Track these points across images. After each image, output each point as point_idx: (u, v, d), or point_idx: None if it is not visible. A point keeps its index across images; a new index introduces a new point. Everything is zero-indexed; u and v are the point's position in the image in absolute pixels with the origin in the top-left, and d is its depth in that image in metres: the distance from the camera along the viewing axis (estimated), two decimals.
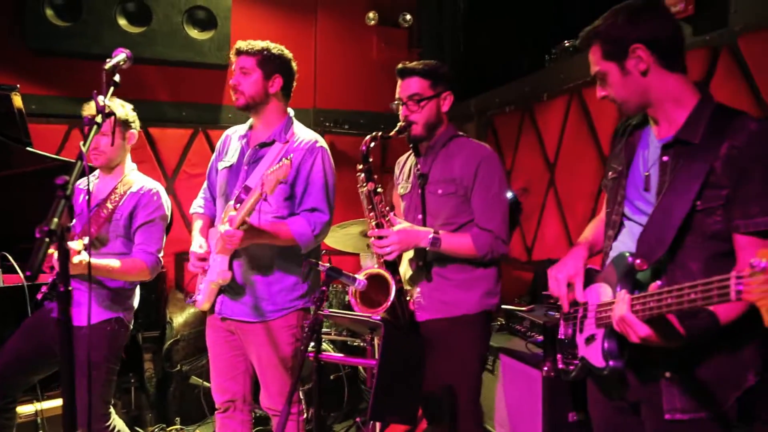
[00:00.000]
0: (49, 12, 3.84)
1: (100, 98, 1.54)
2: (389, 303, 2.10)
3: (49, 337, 2.44)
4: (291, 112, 2.44)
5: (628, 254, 1.43)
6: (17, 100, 2.98)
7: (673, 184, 1.41)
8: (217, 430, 2.45)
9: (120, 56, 1.71)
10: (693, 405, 1.38)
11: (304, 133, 2.37)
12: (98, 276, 2.32)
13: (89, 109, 2.37)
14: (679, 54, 1.46)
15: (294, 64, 2.39)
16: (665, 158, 1.45)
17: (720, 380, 1.38)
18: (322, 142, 2.37)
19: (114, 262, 2.33)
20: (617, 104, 1.54)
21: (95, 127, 1.47)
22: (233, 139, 2.48)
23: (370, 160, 2.22)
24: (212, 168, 2.53)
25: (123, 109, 2.46)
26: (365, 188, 2.21)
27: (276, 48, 2.34)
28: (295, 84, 2.43)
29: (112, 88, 1.62)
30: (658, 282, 1.31)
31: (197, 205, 2.55)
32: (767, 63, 2.41)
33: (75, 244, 2.13)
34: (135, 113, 2.52)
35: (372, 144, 2.21)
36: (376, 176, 2.23)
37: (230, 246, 2.14)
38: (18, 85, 2.99)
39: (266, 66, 2.29)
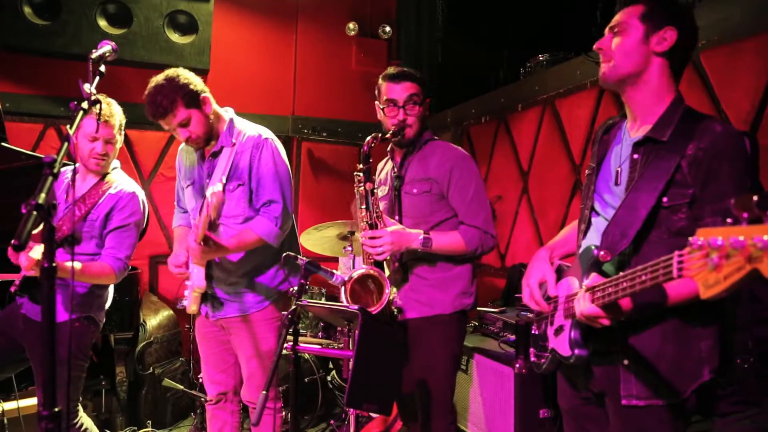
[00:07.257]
0: (27, 10, 3.81)
1: (86, 86, 1.56)
2: (383, 304, 2.09)
3: (18, 333, 2.40)
4: (230, 111, 2.39)
5: (593, 247, 1.49)
6: None
7: (641, 180, 1.46)
8: (207, 420, 2.53)
9: (106, 47, 1.73)
10: (649, 392, 1.44)
11: (248, 129, 2.35)
12: (63, 276, 2.27)
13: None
14: (686, 53, 1.50)
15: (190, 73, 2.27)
16: (636, 156, 1.51)
17: (677, 371, 1.44)
18: (267, 134, 2.35)
19: (77, 265, 2.27)
20: (603, 61, 1.51)
21: (81, 112, 1.48)
22: (186, 153, 2.48)
23: (371, 160, 2.23)
24: (178, 188, 2.57)
25: (119, 111, 2.44)
26: (363, 187, 2.22)
27: (177, 77, 2.21)
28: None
29: (97, 78, 1.63)
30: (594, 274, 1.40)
31: (175, 220, 2.62)
32: (726, 76, 2.56)
33: (35, 253, 2.09)
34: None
35: (373, 144, 2.22)
36: (373, 177, 2.24)
37: (196, 260, 2.16)
38: None
39: (190, 101, 2.21)
